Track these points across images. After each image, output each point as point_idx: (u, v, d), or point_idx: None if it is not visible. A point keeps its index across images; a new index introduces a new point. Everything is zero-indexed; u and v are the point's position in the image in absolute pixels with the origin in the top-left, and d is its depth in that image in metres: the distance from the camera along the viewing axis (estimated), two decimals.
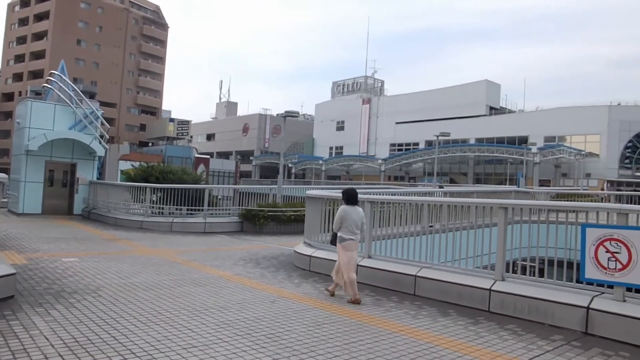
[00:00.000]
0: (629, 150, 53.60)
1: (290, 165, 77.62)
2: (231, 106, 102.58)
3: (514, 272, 6.67)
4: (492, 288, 6.31)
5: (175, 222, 15.22)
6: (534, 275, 6.46)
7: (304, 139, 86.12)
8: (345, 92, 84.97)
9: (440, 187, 30.01)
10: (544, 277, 6.28)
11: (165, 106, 76.78)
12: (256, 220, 15.44)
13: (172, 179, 17.19)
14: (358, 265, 7.89)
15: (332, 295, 7.02)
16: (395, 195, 12.11)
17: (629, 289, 5.44)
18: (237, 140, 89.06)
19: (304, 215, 10.51)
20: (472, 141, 61.43)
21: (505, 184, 48.59)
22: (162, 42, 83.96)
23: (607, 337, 5.28)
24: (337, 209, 8.85)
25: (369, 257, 8.03)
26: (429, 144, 60.86)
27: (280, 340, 4.85)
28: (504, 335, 5.35)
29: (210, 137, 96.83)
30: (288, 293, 7.07)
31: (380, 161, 67.85)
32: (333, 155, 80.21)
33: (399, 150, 71.59)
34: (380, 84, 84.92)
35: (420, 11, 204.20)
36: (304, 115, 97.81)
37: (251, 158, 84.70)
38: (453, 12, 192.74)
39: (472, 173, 62.66)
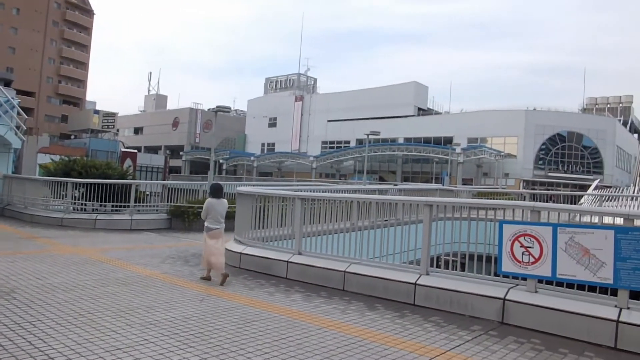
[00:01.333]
0: (543, 152, 57.16)
1: (221, 161, 76.57)
2: (161, 99, 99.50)
3: (438, 266, 6.96)
4: (417, 282, 6.55)
5: (99, 219, 14.62)
6: (456, 270, 6.78)
7: (236, 135, 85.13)
8: (278, 88, 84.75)
9: (395, 184, 30.60)
10: (465, 271, 6.61)
11: (89, 97, 73.17)
12: (185, 217, 15.12)
13: (95, 173, 16.46)
14: (288, 262, 7.97)
15: (209, 279, 7.63)
16: (325, 192, 12.26)
17: (540, 281, 5.84)
18: (166, 134, 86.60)
19: (235, 212, 10.42)
20: (401, 140, 63.23)
21: (431, 182, 50.42)
22: (87, 29, 79.72)
23: (521, 326, 5.64)
24: (269, 205, 8.90)
25: (299, 253, 8.09)
26: (360, 142, 61.99)
27: (209, 339, 4.80)
28: (427, 327, 5.58)
29: (138, 130, 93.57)
30: (217, 291, 7.01)
31: (311, 158, 68.33)
32: (265, 151, 79.90)
33: (330, 148, 72.36)
34: (313, 82, 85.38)
35: (355, 11, 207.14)
36: (236, 110, 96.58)
37: (181, 153, 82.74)
38: (386, 14, 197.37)
39: (400, 171, 64.46)
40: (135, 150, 57.91)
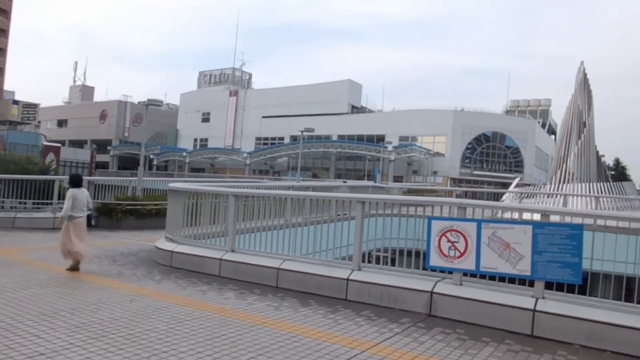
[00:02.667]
0: (469, 151, 59.72)
1: (152, 156, 74.32)
2: (87, 90, 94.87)
3: (370, 262, 7.14)
4: (350, 278, 6.69)
5: (19, 217, 13.81)
6: (387, 265, 6.99)
7: (168, 130, 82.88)
8: (212, 82, 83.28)
9: (344, 182, 30.74)
10: (396, 266, 6.82)
11: (7, 86, 68.32)
12: (113, 215, 14.57)
13: (14, 169, 15.53)
14: (221, 259, 7.91)
15: (77, 270, 7.86)
16: (260, 189, 12.22)
17: (465, 274, 6.13)
18: (93, 128, 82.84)
19: (166, 209, 10.19)
20: (335, 138, 63.96)
21: (364, 179, 51.36)
22: (6, 13, 74.59)
23: (448, 317, 5.91)
24: (202, 202, 8.77)
25: (233, 251, 8.04)
26: (294, 139, 62.08)
27: (139, 340, 4.69)
28: (359, 321, 5.72)
29: (62, 123, 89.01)
30: (148, 291, 6.83)
31: (245, 154, 67.75)
32: (198, 147, 78.37)
33: (264, 144, 72.04)
34: (248, 77, 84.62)
35: (292, 6, 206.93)
36: (168, 104, 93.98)
37: (109, 148, 79.48)
38: (324, 11, 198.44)
39: (333, 168, 65.20)
40: (59, 144, 55.19)
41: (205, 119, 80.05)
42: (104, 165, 75.25)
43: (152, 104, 19.77)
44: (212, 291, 6.92)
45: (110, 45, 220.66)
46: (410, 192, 22.22)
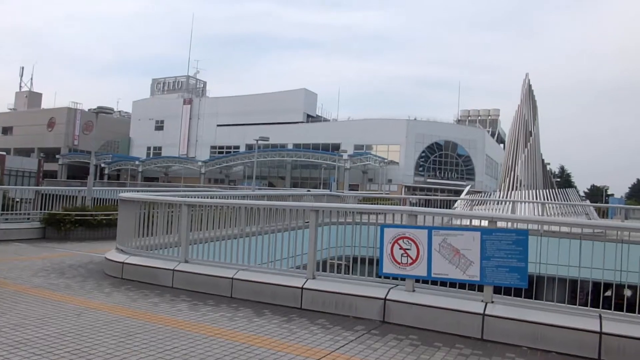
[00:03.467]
0: (422, 159, 61.02)
1: (103, 165, 72.29)
2: (34, 97, 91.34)
3: (325, 270, 7.17)
4: (304, 286, 6.70)
5: None
6: (341, 273, 7.03)
7: (120, 138, 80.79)
8: (166, 90, 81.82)
9: (308, 190, 30.55)
10: (350, 274, 6.88)
11: None
12: (62, 226, 14.07)
13: None
14: (174, 270, 7.78)
15: None
16: (214, 198, 12.08)
17: (417, 280, 6.25)
18: (40, 135, 79.81)
19: (117, 219, 9.93)
20: (290, 146, 64.00)
21: (320, 188, 51.54)
22: None
23: (401, 324, 6.00)
24: (155, 212, 8.59)
25: (186, 261, 7.91)
26: (250, 147, 61.74)
27: (87, 355, 4.54)
28: (314, 329, 5.73)
29: (6, 130, 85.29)
30: (97, 304, 6.63)
31: (200, 163, 66.86)
32: (151, 156, 76.72)
33: (219, 152, 71.29)
34: (202, 85, 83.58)
35: (247, 16, 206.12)
36: (120, 112, 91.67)
37: (57, 156, 76.75)
38: (280, 22, 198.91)
39: (289, 177, 65.14)
40: (4, 153, 52.90)
41: (159, 127, 78.55)
42: (52, 175, 72.57)
43: (102, 112, 19.29)
44: (164, 303, 6.79)
45: (59, 52, 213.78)
46: (365, 200, 22.47)
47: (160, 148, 77.56)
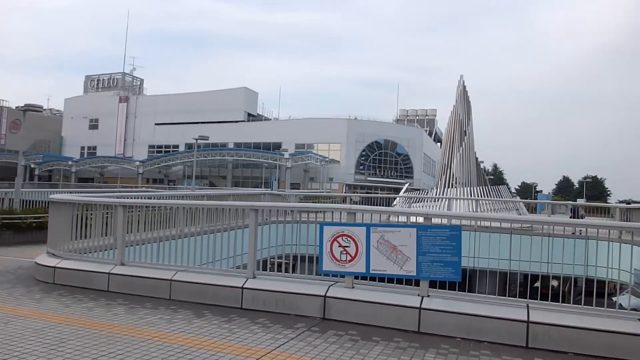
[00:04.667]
0: (363, 158, 62.01)
1: (33, 165, 68.88)
2: None
3: (265, 269, 7.17)
4: (244, 286, 6.67)
5: None
6: (282, 271, 7.06)
7: (51, 137, 77.15)
8: (101, 87, 78.89)
9: (269, 189, 29.91)
10: (291, 272, 6.92)
11: None
12: None
13: None
14: (109, 273, 7.55)
15: None
16: (151, 198, 11.79)
17: (357, 277, 6.37)
18: None
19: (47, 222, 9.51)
20: (231, 145, 63.35)
21: (261, 187, 51.31)
22: None
23: (341, 320, 6.08)
24: (88, 214, 8.29)
25: (122, 264, 7.68)
26: (189, 146, 60.53)
27: None
28: (254, 329, 5.72)
29: None
30: (27, 311, 6.32)
31: (138, 163, 64.98)
32: (85, 155, 73.76)
33: (158, 152, 69.55)
34: (139, 82, 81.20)
35: (186, 13, 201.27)
36: (51, 110, 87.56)
37: None
38: (220, 19, 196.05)
39: (230, 176, 64.47)
40: None
41: (94, 125, 75.69)
42: None
43: (31, 109, 18.47)
44: (99, 307, 6.56)
45: None
46: (306, 198, 22.57)
47: (95, 147, 74.75)
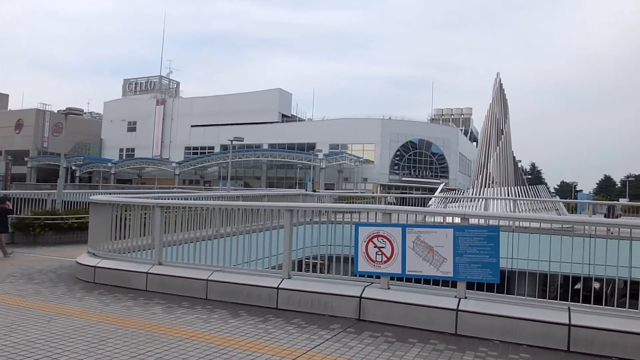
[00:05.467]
0: (397, 158, 61.48)
1: (74, 167, 70.93)
2: (1, 98, 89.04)
3: (300, 269, 7.17)
4: (280, 286, 6.69)
5: None
6: (317, 272, 7.04)
7: (91, 140, 79.40)
8: (138, 91, 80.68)
9: (315, 190, 30.07)
10: (325, 273, 6.90)
11: None
12: (30, 230, 13.76)
13: None
14: (147, 273, 7.69)
15: None
16: (188, 199, 11.98)
17: (392, 278, 6.30)
18: (8, 138, 77.80)
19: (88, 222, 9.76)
20: (265, 146, 63.78)
21: (296, 187, 51.48)
22: None
23: (376, 321, 6.03)
24: (127, 214, 8.47)
25: (160, 264, 7.82)
26: (224, 148, 61.27)
27: None
28: (290, 329, 5.72)
29: None
30: (68, 309, 6.50)
31: (174, 164, 66.13)
32: (124, 157, 75.54)
33: (194, 153, 70.62)
34: (175, 85, 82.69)
35: (219, 15, 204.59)
36: (91, 113, 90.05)
37: (26, 159, 74.99)
38: (252, 20, 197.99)
39: (265, 177, 64.91)
40: None
41: (132, 128, 77.43)
42: (20, 178, 70.86)
43: (72, 113, 18.87)
44: (137, 306, 6.69)
45: (25, 53, 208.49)
46: (341, 199, 22.52)
47: (133, 149, 76.48)
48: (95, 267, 8.33)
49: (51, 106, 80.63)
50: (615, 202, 34.40)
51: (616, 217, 19.97)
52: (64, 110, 19.06)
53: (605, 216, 21.79)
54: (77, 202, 18.36)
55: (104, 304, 6.86)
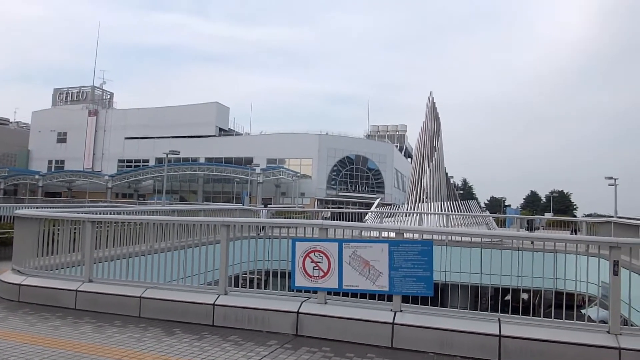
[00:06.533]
0: (334, 173, 62.30)
1: None
2: None
3: (237, 285, 7.10)
4: (216, 303, 6.59)
5: None
6: (257, 287, 7.00)
7: (17, 150, 75.26)
8: (69, 101, 77.45)
9: (265, 205, 29.79)
10: (263, 288, 6.87)
11: None
12: None
13: None
14: (77, 290, 7.37)
15: None
16: (121, 214, 11.59)
17: (329, 293, 6.36)
18: None
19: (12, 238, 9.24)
20: (202, 160, 62.87)
21: (233, 202, 50.92)
22: None
23: (314, 336, 6.04)
24: (55, 229, 8.09)
25: (90, 281, 7.51)
26: (160, 161, 59.79)
27: None
28: (226, 346, 5.64)
29: None
30: None
31: (107, 177, 63.85)
32: (53, 169, 72.07)
33: (127, 166, 68.51)
34: (109, 96, 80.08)
35: (158, 28, 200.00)
36: (17, 123, 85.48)
37: None
38: (192, 33, 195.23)
39: (201, 191, 63.89)
40: None
41: (62, 139, 74.14)
42: None
43: None
44: (66, 326, 6.39)
45: None
46: (278, 214, 22.49)
47: (62, 161, 73.19)
48: (20, 284, 7.87)
49: None
50: (540, 216, 36.25)
51: (534, 230, 21.28)
52: None
53: (527, 229, 23.14)
54: (1, 216, 17.32)
55: (30, 323, 6.49)
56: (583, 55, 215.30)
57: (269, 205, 29.07)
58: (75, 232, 8.09)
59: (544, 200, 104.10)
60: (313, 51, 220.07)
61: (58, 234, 8.15)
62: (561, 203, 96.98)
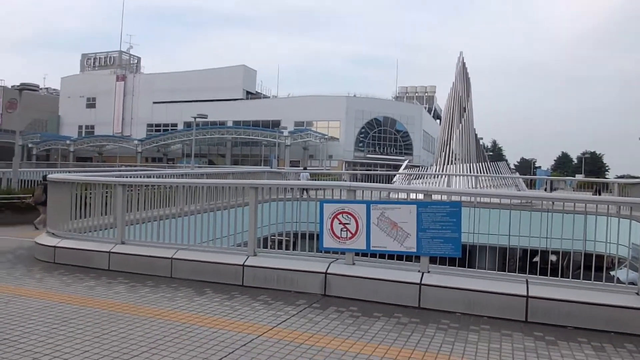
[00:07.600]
0: (362, 135, 61.83)
1: (30, 145, 68.58)
2: None
3: (266, 247, 7.18)
4: (245, 263, 6.69)
5: None
6: (283, 249, 7.06)
7: (48, 116, 76.66)
8: (97, 66, 77.99)
9: (304, 168, 30.05)
10: (291, 249, 6.93)
11: None
12: None
13: None
14: (110, 252, 7.58)
15: None
16: (151, 177, 11.78)
17: (357, 254, 6.37)
18: None
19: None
20: (230, 124, 63.07)
21: (261, 165, 51.29)
22: None
23: (342, 296, 6.11)
24: (87, 193, 8.27)
25: (123, 242, 7.69)
26: (188, 125, 60.22)
27: (17, 344, 4.34)
28: (256, 306, 5.75)
29: None
30: (27, 290, 6.34)
31: (136, 142, 64.76)
32: (83, 134, 73.44)
33: (156, 130, 69.25)
34: (136, 61, 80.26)
35: None
36: (47, 89, 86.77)
37: None
38: None
39: (229, 154, 64.35)
40: None
41: (91, 104, 75.14)
42: None
43: (27, 89, 18.18)
44: (100, 286, 6.59)
45: None
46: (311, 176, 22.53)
47: (92, 127, 74.40)
48: (55, 247, 8.13)
49: (4, 82, 77.21)
50: (571, 177, 35.49)
51: (553, 191, 21.10)
52: (18, 86, 18.32)
53: (545, 190, 22.99)
54: (34, 181, 17.81)
55: (66, 284, 6.72)
56: (620, 14, 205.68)
57: (307, 168, 29.07)
58: (106, 196, 8.26)
59: (575, 162, 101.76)
60: (338, 12, 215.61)
61: (90, 197, 8.33)
62: (593, 164, 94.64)
